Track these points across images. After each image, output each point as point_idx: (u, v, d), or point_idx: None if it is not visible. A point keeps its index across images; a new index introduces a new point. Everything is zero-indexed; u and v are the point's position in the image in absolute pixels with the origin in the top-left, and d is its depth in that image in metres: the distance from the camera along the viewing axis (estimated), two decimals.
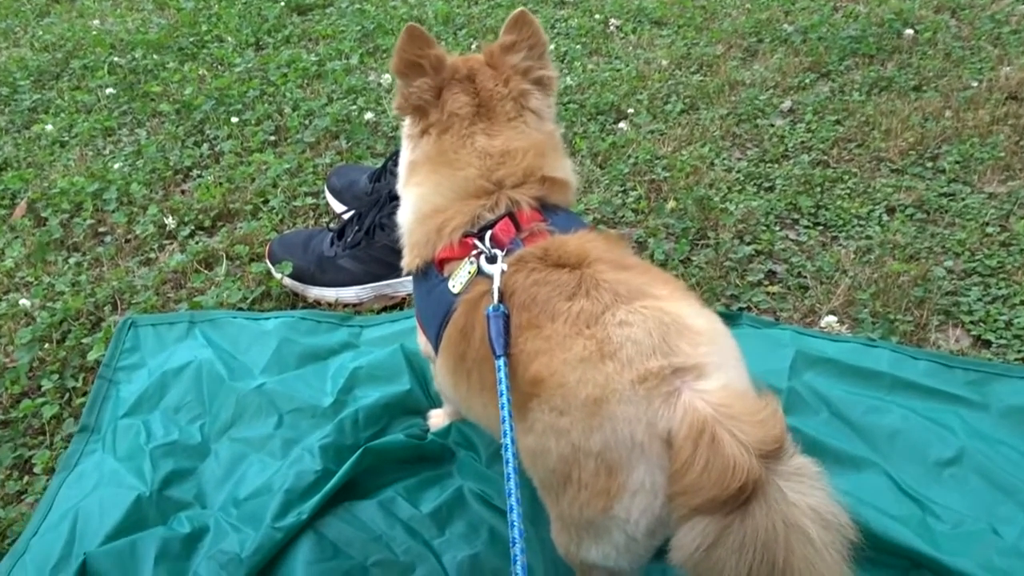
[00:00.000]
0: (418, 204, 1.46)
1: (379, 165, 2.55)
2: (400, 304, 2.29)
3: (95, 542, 1.56)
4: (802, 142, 2.94)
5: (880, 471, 1.65)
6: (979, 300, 2.14)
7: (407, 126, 1.55)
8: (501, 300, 1.24)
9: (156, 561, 1.48)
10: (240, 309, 2.25)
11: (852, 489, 1.55)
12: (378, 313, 2.26)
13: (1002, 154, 2.72)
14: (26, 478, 1.82)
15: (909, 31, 3.62)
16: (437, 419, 1.85)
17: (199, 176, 2.87)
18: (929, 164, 2.75)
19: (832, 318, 2.09)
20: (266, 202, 2.70)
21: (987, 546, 1.48)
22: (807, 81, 3.34)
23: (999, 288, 2.17)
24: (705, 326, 1.14)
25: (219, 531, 1.59)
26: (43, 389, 2.00)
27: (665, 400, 1.05)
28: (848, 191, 2.65)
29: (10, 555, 1.60)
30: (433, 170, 1.45)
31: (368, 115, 3.14)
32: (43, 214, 2.68)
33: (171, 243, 2.56)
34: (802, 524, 0.99)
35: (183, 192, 2.82)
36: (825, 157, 2.85)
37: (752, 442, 1.00)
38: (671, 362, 1.07)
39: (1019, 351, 1.98)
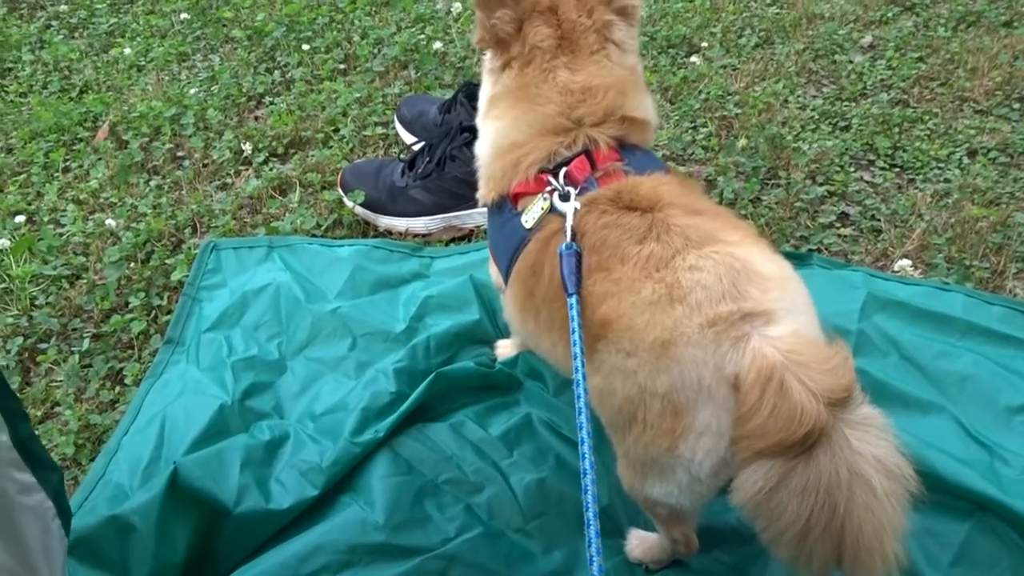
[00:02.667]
0: (496, 138, 1.47)
1: (448, 96, 2.55)
2: (468, 236, 2.32)
3: (182, 446, 1.66)
4: (881, 80, 2.84)
5: (949, 416, 1.65)
6: None
7: (488, 59, 1.53)
8: (574, 238, 1.26)
9: (242, 467, 1.57)
10: (314, 235, 2.31)
11: (920, 432, 1.57)
12: (446, 244, 2.30)
13: None
14: (118, 388, 1.93)
15: None
16: (505, 349, 1.90)
17: (271, 103, 2.92)
18: (1016, 105, 2.65)
19: (906, 262, 2.06)
20: (336, 131, 2.74)
21: None
22: (890, 15, 3.21)
23: None
24: (775, 272, 1.14)
25: (298, 441, 1.68)
26: (131, 306, 2.11)
27: (734, 344, 1.07)
28: (928, 132, 2.57)
29: (103, 454, 1.71)
30: (513, 104, 1.44)
31: (436, 45, 3.13)
32: (124, 137, 2.77)
33: (246, 169, 2.62)
34: (865, 472, 1.01)
35: (256, 119, 2.88)
36: (905, 96, 2.75)
37: (820, 389, 1.01)
38: (740, 307, 1.08)
39: None
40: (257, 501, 1.52)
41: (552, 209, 1.34)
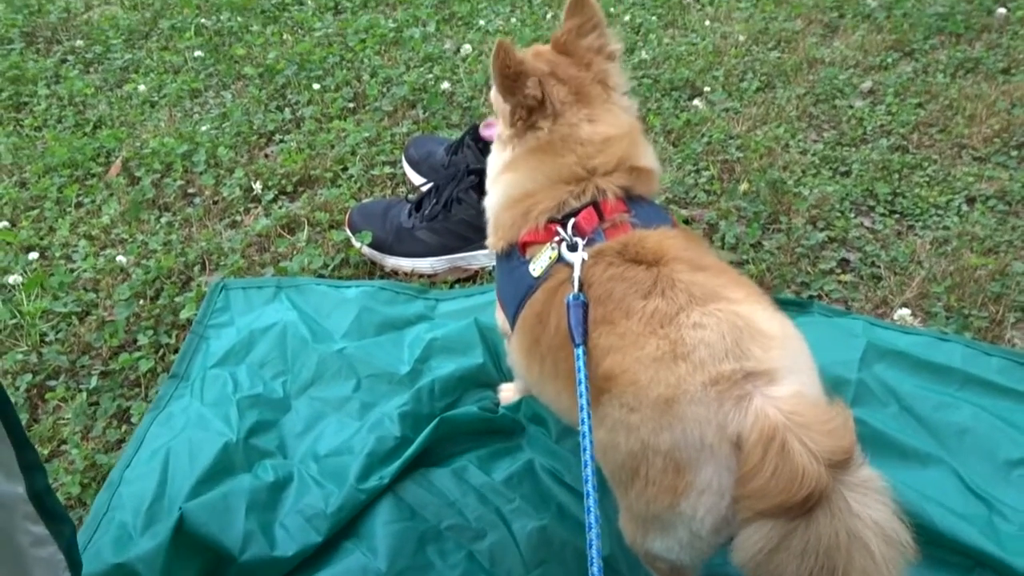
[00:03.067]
0: (509, 190, 1.49)
1: (456, 138, 2.60)
2: (473, 277, 2.36)
3: (187, 483, 1.67)
4: (881, 125, 2.89)
5: (948, 468, 1.67)
6: None
7: (502, 129, 1.55)
8: (581, 289, 1.28)
9: (247, 512, 1.59)
10: (321, 276, 2.34)
11: (919, 485, 1.58)
12: (451, 285, 2.33)
13: None
14: (124, 427, 1.95)
15: (1001, 10, 3.49)
16: (508, 393, 1.92)
17: (281, 141, 2.97)
18: (1014, 153, 2.68)
19: (905, 311, 2.08)
20: (345, 170, 2.78)
21: None
22: (889, 60, 3.27)
23: None
24: (777, 330, 1.16)
25: (302, 484, 1.69)
26: (139, 343, 2.13)
27: (736, 404, 1.08)
28: (927, 179, 2.60)
29: (106, 487, 1.73)
30: (532, 157, 1.46)
31: (444, 85, 3.18)
32: (136, 173, 2.81)
33: (256, 207, 2.66)
34: (864, 536, 1.02)
35: (266, 156, 2.92)
36: (905, 142, 2.80)
37: (821, 451, 1.03)
38: (743, 366, 1.10)
39: None
40: (262, 548, 1.54)
41: (560, 259, 1.37)
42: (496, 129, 1.59)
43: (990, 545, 1.48)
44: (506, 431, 1.84)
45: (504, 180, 1.51)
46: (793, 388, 1.10)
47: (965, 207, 2.48)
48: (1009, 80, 3.06)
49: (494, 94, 1.53)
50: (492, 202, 1.55)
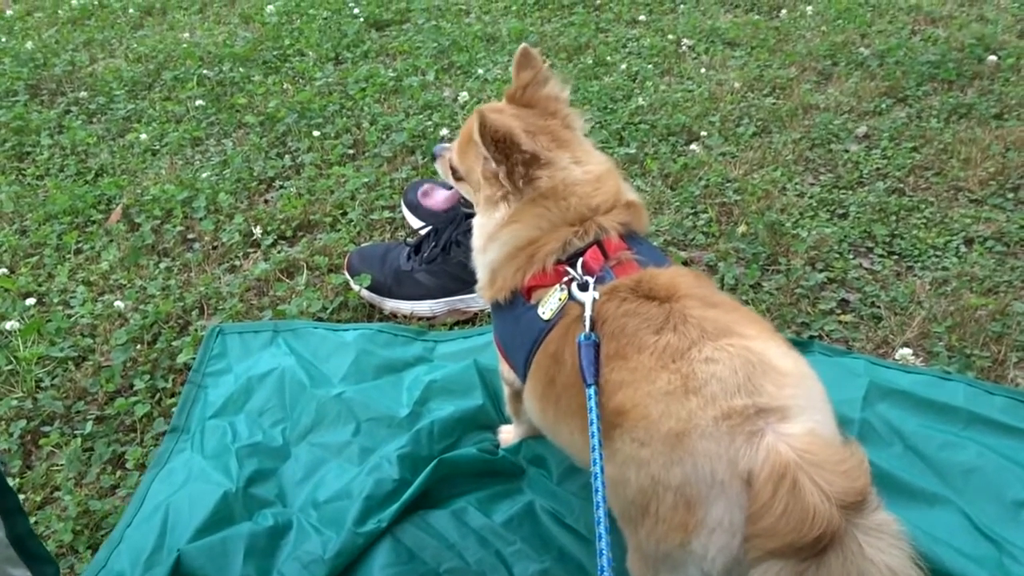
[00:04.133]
0: (511, 239, 1.48)
1: None
2: (472, 319, 2.35)
3: (186, 534, 1.65)
4: (877, 169, 2.91)
5: (955, 508, 1.64)
6: None
7: (488, 192, 1.52)
8: (593, 328, 1.28)
9: (245, 557, 1.56)
10: (320, 319, 2.34)
11: (927, 526, 1.55)
12: (451, 328, 2.32)
13: None
14: (119, 472, 1.93)
15: (992, 57, 3.55)
16: (507, 435, 1.90)
17: (281, 187, 2.99)
18: (1010, 195, 2.70)
19: (907, 350, 2.07)
20: (344, 214, 2.80)
21: None
22: (883, 106, 3.31)
23: None
24: (792, 368, 1.15)
25: (301, 531, 1.67)
26: (135, 388, 2.12)
27: (748, 440, 1.07)
28: (924, 220, 2.62)
29: (106, 545, 1.70)
30: (535, 206, 1.45)
31: (443, 131, 3.22)
32: (136, 220, 2.83)
33: (255, 251, 2.67)
34: None
35: (266, 202, 2.94)
36: (901, 185, 2.82)
37: (834, 492, 1.00)
38: (755, 402, 1.09)
39: None
40: None
41: (571, 298, 1.36)
42: (480, 194, 1.56)
43: None
44: (506, 473, 1.81)
45: (506, 233, 1.49)
46: (807, 426, 1.08)
47: (963, 248, 2.49)
48: (1002, 125, 3.10)
49: (458, 162, 1.58)
50: (491, 257, 1.53)
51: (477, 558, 1.62)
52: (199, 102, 3.59)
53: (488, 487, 1.79)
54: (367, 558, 1.61)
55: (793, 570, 1.02)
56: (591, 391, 1.20)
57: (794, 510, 1.00)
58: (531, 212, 1.47)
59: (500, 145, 1.42)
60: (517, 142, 1.43)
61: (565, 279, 1.38)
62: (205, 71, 3.89)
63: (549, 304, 1.39)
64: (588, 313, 1.29)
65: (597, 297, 1.31)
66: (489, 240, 1.53)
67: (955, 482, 1.71)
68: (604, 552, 1.05)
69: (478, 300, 2.34)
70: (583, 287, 1.34)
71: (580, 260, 1.38)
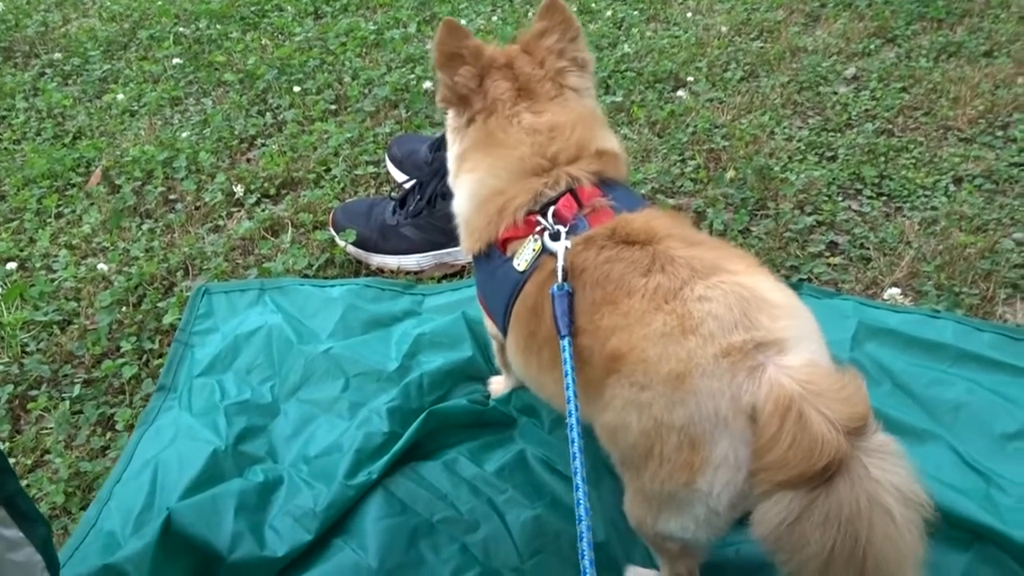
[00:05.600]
0: (475, 188, 1.48)
1: (438, 135, 2.58)
2: (460, 272, 2.33)
3: (176, 492, 1.64)
4: (866, 110, 2.88)
5: (944, 444, 1.65)
6: None
7: (451, 119, 1.58)
8: (566, 278, 1.26)
9: (236, 513, 1.56)
10: (306, 276, 2.32)
11: (916, 461, 1.54)
12: (439, 281, 2.31)
13: None
14: (109, 434, 1.92)
15: None
16: (497, 386, 1.89)
17: (263, 145, 2.94)
18: (999, 133, 2.68)
19: (895, 290, 2.07)
20: (328, 171, 2.76)
21: None
22: (872, 47, 3.26)
23: None
24: (784, 300, 1.14)
25: (292, 485, 1.66)
26: (122, 350, 2.10)
27: (749, 375, 1.06)
28: (913, 161, 2.59)
29: (96, 502, 1.70)
30: (486, 153, 1.47)
31: (426, 84, 3.16)
32: (117, 182, 2.78)
33: (238, 210, 2.63)
34: (885, 501, 1.00)
35: (248, 160, 2.90)
36: (890, 126, 2.79)
37: (838, 419, 1.00)
38: (753, 336, 1.08)
39: None
40: (251, 548, 1.51)
41: (544, 249, 1.34)
42: (448, 118, 1.59)
43: (989, 518, 1.46)
44: (497, 423, 1.81)
45: (466, 181, 1.51)
46: (805, 357, 1.07)
47: (952, 187, 2.47)
48: (992, 62, 3.06)
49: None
50: (461, 206, 1.53)
51: (469, 507, 1.62)
52: (176, 61, 3.52)
53: (479, 437, 1.78)
54: (359, 511, 1.61)
55: (803, 499, 1.02)
56: (565, 342, 1.19)
57: (802, 441, 1.00)
58: (486, 161, 1.46)
59: (443, 58, 1.47)
60: (459, 67, 1.45)
61: (537, 229, 1.36)
62: (181, 29, 3.81)
63: (523, 255, 1.37)
64: (560, 262, 1.27)
65: (569, 246, 1.29)
66: (453, 178, 1.56)
67: (944, 418, 1.71)
68: (581, 502, 1.05)
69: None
70: (555, 236, 1.32)
71: (552, 210, 1.36)
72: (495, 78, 1.48)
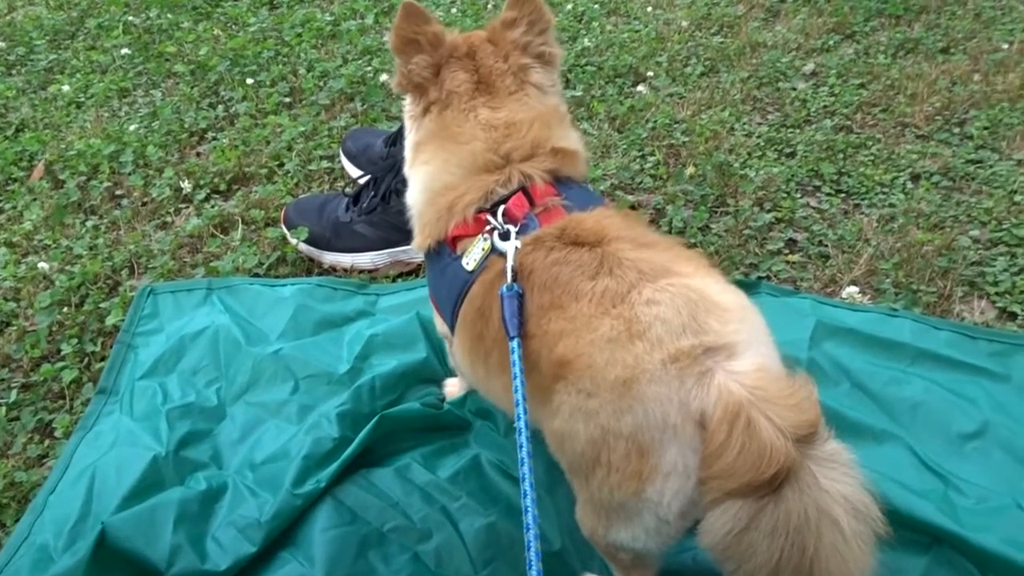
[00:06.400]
0: (427, 182, 1.45)
1: (394, 129, 2.52)
2: (415, 271, 2.28)
3: (113, 501, 1.57)
4: (825, 106, 2.88)
5: (902, 444, 1.64)
6: (1005, 271, 2.10)
7: (408, 106, 1.53)
8: (515, 279, 1.22)
9: (175, 525, 1.49)
10: (256, 275, 2.24)
11: (873, 463, 1.51)
12: (393, 280, 2.25)
13: None
14: (47, 442, 1.83)
15: None
16: (453, 388, 1.85)
17: (214, 138, 2.85)
18: (956, 130, 2.69)
19: (854, 288, 2.06)
20: (281, 165, 2.68)
21: (1011, 521, 1.47)
22: (831, 43, 3.26)
23: None
24: (733, 303, 1.12)
25: (236, 493, 1.60)
26: (63, 353, 2.01)
27: (698, 380, 1.03)
28: (871, 157, 2.59)
29: (29, 512, 1.62)
30: (439, 147, 1.43)
31: (383, 77, 3.10)
32: (60, 176, 2.68)
33: (187, 207, 2.55)
34: (833, 512, 0.98)
35: (198, 155, 2.81)
36: (848, 122, 2.79)
37: (787, 426, 0.98)
38: (702, 341, 1.05)
39: None
40: (191, 561, 1.45)
41: (493, 249, 1.30)
42: (405, 104, 1.55)
43: (948, 521, 1.45)
44: (451, 427, 1.76)
45: (420, 173, 1.46)
46: (755, 362, 1.05)
47: (910, 184, 2.47)
48: (948, 59, 3.08)
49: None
50: (413, 199, 1.49)
51: (422, 515, 1.58)
52: (125, 51, 3.41)
53: (433, 442, 1.74)
54: (307, 520, 1.55)
55: (752, 508, 1.00)
56: (514, 344, 1.16)
57: (750, 448, 0.98)
58: (439, 155, 1.42)
59: (399, 43, 1.43)
60: (413, 55, 1.42)
61: (487, 228, 1.32)
62: (131, 18, 3.69)
63: (472, 254, 1.33)
64: (510, 263, 1.23)
65: (519, 246, 1.25)
66: (408, 168, 1.51)
67: (902, 418, 1.70)
68: (529, 509, 1.01)
69: None
70: (504, 236, 1.28)
71: (502, 208, 1.31)
72: (453, 68, 1.44)
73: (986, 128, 2.64)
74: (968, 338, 1.87)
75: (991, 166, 2.49)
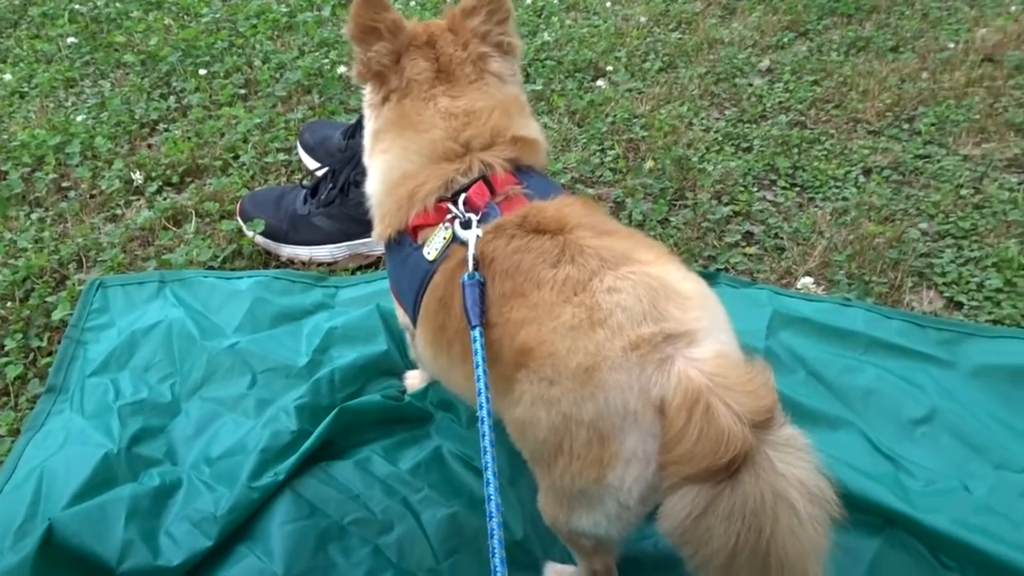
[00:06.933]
0: (386, 171, 1.43)
1: (353, 121, 2.49)
2: (375, 263, 2.25)
3: (61, 501, 1.53)
4: (780, 102, 2.92)
5: (855, 430, 1.67)
6: (952, 262, 2.15)
7: (368, 95, 1.52)
8: (477, 268, 1.22)
9: (127, 520, 1.45)
10: (211, 268, 2.20)
11: (828, 448, 1.54)
12: (352, 273, 2.23)
13: (977, 116, 2.73)
14: None
15: None
16: (414, 380, 1.83)
17: (166, 130, 2.79)
18: (905, 126, 2.75)
19: (808, 279, 2.09)
20: (236, 158, 2.63)
21: (959, 502, 1.51)
22: (785, 40, 3.32)
23: (972, 250, 2.19)
24: (693, 290, 1.13)
25: (191, 489, 1.57)
26: (7, 349, 1.95)
27: (658, 367, 1.04)
28: (825, 152, 2.64)
29: None
30: (398, 135, 1.42)
31: (341, 69, 3.06)
32: (3, 168, 2.59)
33: (138, 199, 2.49)
34: (789, 496, 0.99)
35: (149, 146, 2.74)
36: (803, 118, 2.83)
37: (745, 412, 0.99)
38: (662, 328, 1.06)
39: (990, 312, 2.00)
40: (144, 557, 1.41)
41: (455, 238, 1.30)
42: (365, 93, 1.53)
43: (899, 502, 1.48)
44: (412, 419, 1.75)
45: (379, 162, 1.45)
46: (714, 349, 1.06)
47: (862, 178, 2.52)
48: (898, 57, 3.15)
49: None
50: (373, 187, 1.48)
51: (383, 507, 1.56)
52: (71, 40, 3.31)
53: (394, 434, 1.72)
54: (265, 514, 1.53)
55: (709, 493, 1.01)
56: (476, 332, 1.15)
57: (709, 434, 0.99)
58: (398, 143, 1.41)
59: (357, 31, 1.41)
60: (374, 42, 1.41)
61: (448, 217, 1.31)
62: (77, 6, 3.59)
63: (434, 244, 1.32)
64: (471, 251, 1.22)
65: (480, 235, 1.24)
66: (368, 157, 1.49)
67: (855, 404, 1.74)
68: (492, 497, 1.02)
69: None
70: (466, 225, 1.28)
71: (463, 197, 1.31)
72: (413, 56, 1.43)
73: (934, 124, 2.71)
74: (917, 327, 1.92)
75: (939, 161, 2.55)
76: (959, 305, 2.05)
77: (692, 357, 1.04)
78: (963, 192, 2.40)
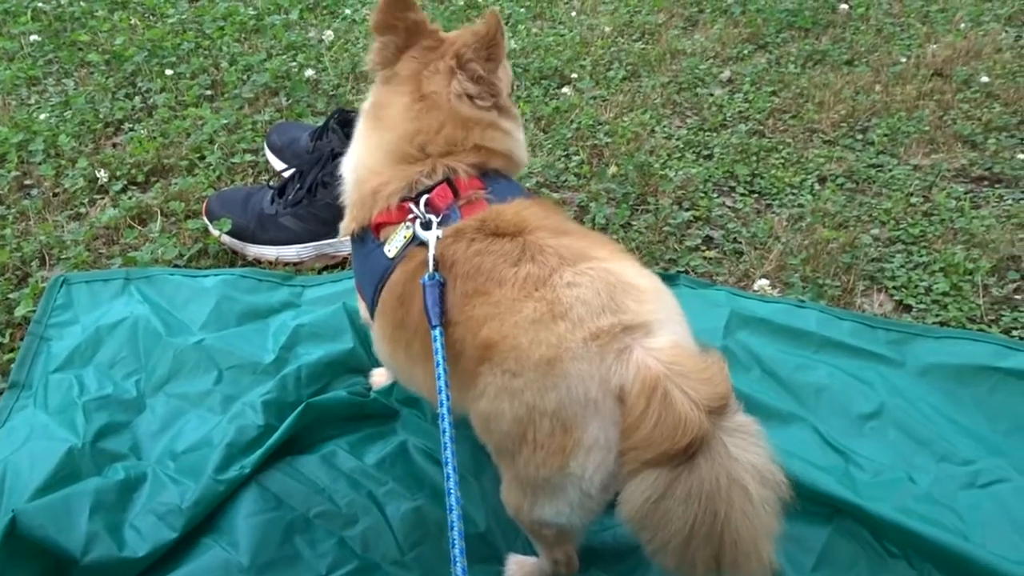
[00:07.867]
0: (355, 163, 1.47)
1: (320, 123, 2.51)
2: (341, 264, 2.27)
3: (25, 495, 1.51)
4: (740, 112, 3.00)
5: (807, 425, 1.73)
6: (902, 267, 2.24)
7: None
8: (437, 269, 1.25)
9: (91, 513, 1.45)
10: (176, 266, 2.20)
11: (781, 442, 1.59)
12: (319, 272, 2.24)
13: (927, 128, 2.83)
14: None
15: (844, 6, 3.72)
16: (380, 378, 1.85)
17: (131, 130, 2.78)
18: (859, 136, 2.85)
19: (765, 282, 2.16)
20: (202, 158, 2.63)
21: (903, 493, 1.58)
22: (745, 52, 3.41)
23: (920, 256, 2.28)
24: (648, 284, 1.18)
25: (157, 482, 1.57)
26: None
27: (617, 357, 1.08)
28: (782, 160, 2.72)
29: None
30: (370, 125, 1.46)
31: (308, 72, 3.08)
32: None
33: (102, 198, 2.47)
34: (743, 479, 1.04)
35: (114, 146, 2.73)
36: (761, 127, 2.92)
37: (701, 399, 1.04)
38: (620, 320, 1.10)
39: (937, 315, 2.09)
40: (108, 548, 1.41)
41: (415, 238, 1.33)
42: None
43: (847, 493, 1.54)
44: (378, 415, 1.77)
45: (353, 149, 1.49)
46: (670, 338, 1.11)
47: (817, 186, 2.61)
48: (852, 70, 3.25)
49: None
50: (346, 173, 1.51)
51: (348, 500, 1.58)
52: (34, 38, 3.28)
53: (360, 430, 1.74)
54: (230, 507, 1.54)
55: (667, 477, 1.05)
56: (436, 332, 1.19)
57: (666, 420, 1.04)
58: (368, 135, 1.45)
59: (391, 10, 1.42)
60: (403, 28, 1.42)
61: (410, 217, 1.34)
62: (40, 4, 3.56)
63: (395, 242, 1.35)
64: (431, 253, 1.26)
65: (440, 236, 1.28)
66: (356, 130, 1.52)
67: (807, 401, 1.80)
68: (452, 491, 1.06)
69: (346, 244, 2.25)
70: (426, 225, 1.31)
71: (425, 198, 1.34)
72: (413, 55, 1.44)
73: (886, 135, 2.81)
74: (868, 328, 1.99)
75: (890, 170, 2.65)
76: (908, 308, 2.13)
77: (649, 347, 1.09)
78: (913, 200, 2.49)
